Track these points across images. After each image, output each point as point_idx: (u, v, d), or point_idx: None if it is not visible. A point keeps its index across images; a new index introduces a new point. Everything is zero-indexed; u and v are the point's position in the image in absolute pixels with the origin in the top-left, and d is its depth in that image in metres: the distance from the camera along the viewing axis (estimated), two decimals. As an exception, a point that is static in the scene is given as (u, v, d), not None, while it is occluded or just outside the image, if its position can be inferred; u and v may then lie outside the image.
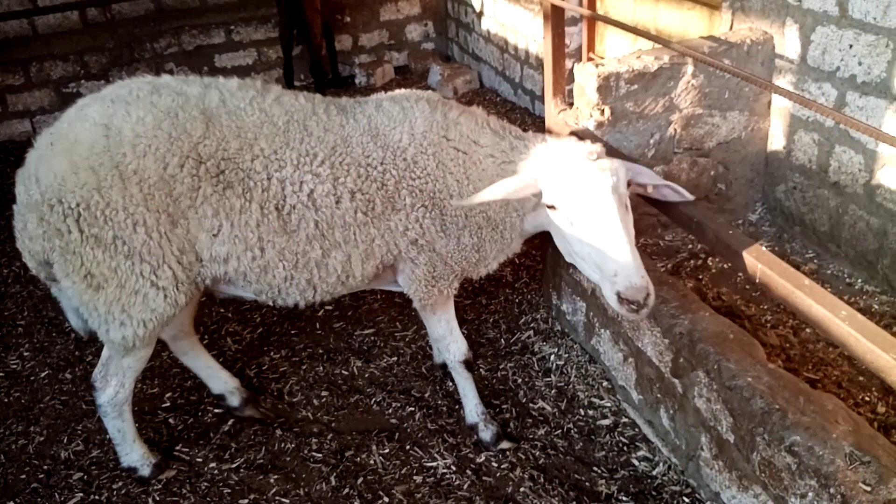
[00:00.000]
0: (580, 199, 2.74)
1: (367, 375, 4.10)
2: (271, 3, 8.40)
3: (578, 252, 2.86)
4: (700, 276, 4.14)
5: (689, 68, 4.12)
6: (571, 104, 4.31)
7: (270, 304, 3.25)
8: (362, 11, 9.00)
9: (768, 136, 4.50)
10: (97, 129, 2.81)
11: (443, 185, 3.07)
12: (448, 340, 3.52)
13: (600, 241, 2.70)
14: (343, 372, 4.14)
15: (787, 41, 4.15)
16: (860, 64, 3.74)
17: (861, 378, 3.35)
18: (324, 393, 3.99)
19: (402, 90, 3.31)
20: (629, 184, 2.87)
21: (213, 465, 3.56)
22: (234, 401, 3.83)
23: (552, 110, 4.19)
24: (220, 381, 3.83)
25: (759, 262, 2.72)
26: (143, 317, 2.96)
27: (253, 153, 2.91)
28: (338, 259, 3.08)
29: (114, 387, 3.21)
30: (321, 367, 4.17)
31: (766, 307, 3.85)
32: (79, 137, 2.81)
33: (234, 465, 3.54)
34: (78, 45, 8.05)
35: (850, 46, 3.77)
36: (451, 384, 3.97)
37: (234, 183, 2.90)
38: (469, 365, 3.56)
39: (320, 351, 4.31)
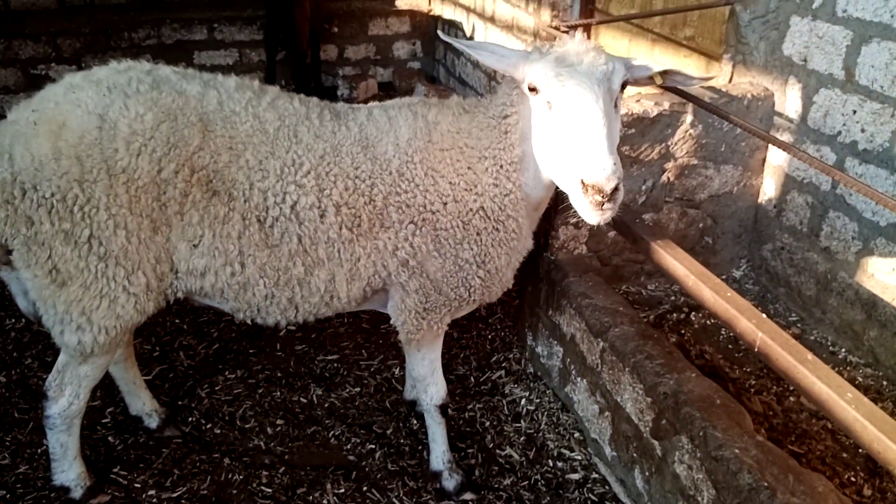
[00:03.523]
0: (564, 79, 2.47)
1: (326, 405, 3.86)
2: (259, 4, 8.19)
3: (552, 146, 2.56)
4: (682, 331, 4.01)
5: (689, 117, 4.01)
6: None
7: (249, 322, 3.03)
8: (351, 23, 8.83)
9: (760, 193, 4.41)
10: (91, 118, 2.58)
11: (434, 195, 2.85)
12: (428, 381, 3.29)
13: (576, 127, 2.41)
14: (301, 399, 3.89)
15: (789, 100, 4.07)
16: (863, 131, 3.67)
17: (844, 455, 3.22)
18: (279, 421, 3.73)
19: (393, 99, 3.12)
20: (625, 84, 2.60)
21: (151, 492, 3.27)
22: (152, 423, 3.60)
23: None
24: (140, 401, 3.59)
25: (759, 330, 2.58)
26: (106, 322, 2.74)
27: (238, 164, 2.73)
28: (321, 278, 2.87)
29: (68, 397, 2.95)
30: (278, 393, 3.92)
31: (749, 370, 3.72)
32: (68, 122, 2.57)
33: (174, 495, 3.26)
34: (52, 27, 7.69)
35: (854, 112, 3.70)
36: (415, 422, 3.76)
37: (221, 192, 2.72)
38: (444, 410, 3.35)
39: (279, 374, 4.05)
